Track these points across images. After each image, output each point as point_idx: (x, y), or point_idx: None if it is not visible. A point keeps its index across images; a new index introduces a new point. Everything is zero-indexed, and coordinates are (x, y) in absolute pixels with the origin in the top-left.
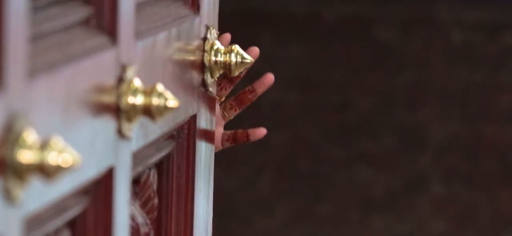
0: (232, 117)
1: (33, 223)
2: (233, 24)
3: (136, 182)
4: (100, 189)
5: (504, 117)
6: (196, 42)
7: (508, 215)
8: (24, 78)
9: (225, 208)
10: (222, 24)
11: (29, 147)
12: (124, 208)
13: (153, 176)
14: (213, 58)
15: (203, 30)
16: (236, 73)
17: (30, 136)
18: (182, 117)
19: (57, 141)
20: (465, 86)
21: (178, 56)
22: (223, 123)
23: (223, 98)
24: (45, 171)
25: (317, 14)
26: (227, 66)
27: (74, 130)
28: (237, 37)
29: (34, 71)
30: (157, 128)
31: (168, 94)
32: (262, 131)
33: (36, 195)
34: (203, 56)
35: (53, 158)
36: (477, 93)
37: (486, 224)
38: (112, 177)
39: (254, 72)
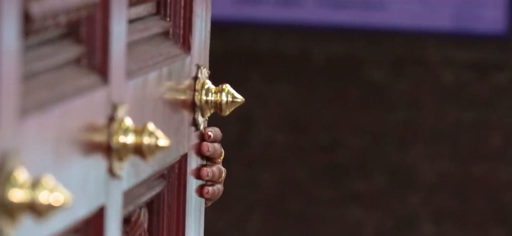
0: None
1: None
2: (223, 63)
3: (127, 221)
4: (91, 228)
5: (495, 157)
6: (187, 82)
7: None
8: (15, 117)
9: None
10: (213, 63)
11: (20, 186)
12: None
13: (144, 215)
14: (204, 97)
15: (194, 69)
16: (227, 112)
17: (21, 175)
18: (173, 156)
19: (48, 180)
20: (456, 125)
21: (169, 95)
22: None
23: None
24: (36, 210)
25: (307, 54)
26: (218, 105)
27: (65, 169)
28: (227, 76)
29: (26, 110)
30: (148, 167)
31: (159, 133)
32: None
33: (28, 234)
34: (194, 95)
35: (44, 197)
36: (467, 132)
37: None
38: (103, 216)
39: (245, 112)
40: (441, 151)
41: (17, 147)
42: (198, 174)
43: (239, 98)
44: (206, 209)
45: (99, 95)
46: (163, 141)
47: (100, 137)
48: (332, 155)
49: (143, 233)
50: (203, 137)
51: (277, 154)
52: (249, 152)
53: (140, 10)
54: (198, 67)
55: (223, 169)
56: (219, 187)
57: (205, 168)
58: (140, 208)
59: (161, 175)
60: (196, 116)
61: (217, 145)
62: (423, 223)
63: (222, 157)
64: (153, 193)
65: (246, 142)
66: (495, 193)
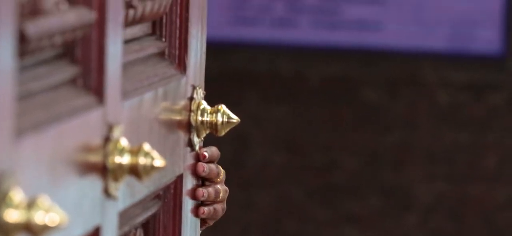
0: None
1: None
2: (219, 84)
3: None
4: None
5: (490, 178)
6: (183, 102)
7: None
8: (11, 138)
9: None
10: (208, 84)
11: (16, 206)
12: None
13: None
14: (200, 118)
15: (189, 90)
16: (223, 133)
17: (17, 195)
18: (169, 177)
19: (44, 200)
20: (452, 146)
21: (165, 116)
22: None
23: None
24: (32, 231)
25: (303, 74)
26: (213, 126)
27: (61, 189)
28: (223, 97)
29: (21, 131)
30: (143, 188)
31: (155, 154)
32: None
33: None
34: (189, 116)
35: (39, 217)
36: (463, 153)
37: None
38: None
39: (240, 132)
40: (437, 172)
41: (12, 168)
42: (193, 195)
43: (235, 118)
44: (202, 229)
45: (94, 116)
46: (158, 162)
47: (95, 158)
48: (328, 175)
49: None
50: (198, 158)
51: (273, 175)
52: (245, 173)
53: (136, 30)
54: (194, 87)
55: (223, 188)
56: (216, 206)
57: (200, 189)
58: (136, 229)
59: (157, 196)
60: (191, 136)
61: (213, 166)
62: None
63: (221, 177)
64: (148, 213)
65: (242, 163)
66: (491, 214)
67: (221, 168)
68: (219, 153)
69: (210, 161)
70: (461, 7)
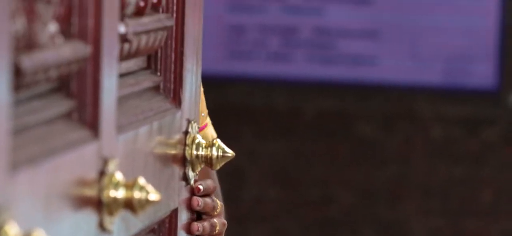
0: None
1: None
2: (215, 119)
3: None
4: None
5: (485, 212)
6: (178, 136)
7: None
8: (6, 171)
9: None
10: None
11: None
12: None
13: None
14: (195, 152)
15: (184, 124)
16: (218, 167)
17: (12, 229)
18: (164, 211)
19: (39, 234)
20: (446, 181)
21: (160, 150)
22: None
23: None
24: None
25: (298, 109)
26: (208, 160)
27: (56, 223)
28: (218, 131)
29: (17, 164)
30: (138, 222)
31: (150, 188)
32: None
33: None
34: (184, 149)
35: None
36: (457, 188)
37: None
38: None
39: (236, 167)
40: (432, 207)
41: (8, 201)
42: (188, 229)
43: (230, 152)
44: None
45: (89, 150)
46: (153, 196)
47: (90, 192)
48: (323, 210)
49: None
50: (193, 191)
51: (269, 209)
52: (241, 207)
53: (131, 64)
54: (189, 121)
55: (221, 222)
56: None
57: (195, 223)
58: None
59: (152, 230)
60: (186, 170)
61: (208, 199)
62: None
63: (218, 210)
64: None
65: (238, 197)
66: None
67: (219, 201)
68: (216, 186)
69: (205, 195)
70: (456, 42)
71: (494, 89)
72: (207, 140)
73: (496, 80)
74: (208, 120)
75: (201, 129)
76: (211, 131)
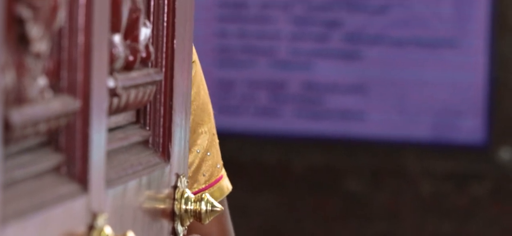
0: None
1: None
2: None
3: None
4: None
5: None
6: (167, 190)
7: None
8: None
9: None
10: None
11: None
12: None
13: None
14: (184, 206)
15: (173, 178)
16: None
17: None
18: None
19: None
20: None
21: (149, 204)
22: None
23: None
24: None
25: (287, 164)
26: (197, 214)
27: None
28: None
29: (5, 219)
30: None
31: None
32: None
33: None
34: (173, 204)
35: None
36: None
37: None
38: None
39: None
40: None
41: None
42: None
43: (219, 207)
44: None
45: (78, 204)
46: None
47: None
48: None
49: None
50: None
51: None
52: None
53: (120, 118)
54: (178, 176)
55: None
56: None
57: None
58: None
59: None
60: (175, 225)
61: None
62: None
63: None
64: None
65: None
66: None
67: None
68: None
69: None
70: (444, 96)
71: (482, 144)
72: (222, 193)
73: (485, 135)
74: (223, 172)
75: (216, 181)
76: (226, 183)
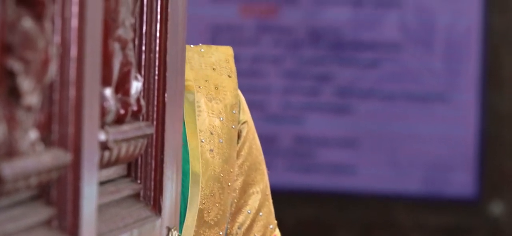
0: None
1: None
2: None
3: None
4: None
5: None
6: None
7: None
8: None
9: None
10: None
11: None
12: None
13: None
14: None
15: (164, 231)
16: None
17: None
18: None
19: None
20: None
21: None
22: None
23: None
24: None
25: (279, 217)
26: None
27: None
28: None
29: None
30: None
31: None
32: None
33: None
34: None
35: None
36: None
37: None
38: None
39: None
40: None
41: None
42: None
43: None
44: None
45: None
46: None
47: None
48: None
49: None
50: None
51: None
52: None
53: (111, 172)
54: (169, 229)
55: None
56: None
57: None
58: None
59: None
60: None
61: None
62: None
63: None
64: None
65: None
66: None
67: None
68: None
69: None
70: (435, 150)
71: (473, 198)
72: None
73: (476, 189)
74: (276, 232)
75: None
76: None
